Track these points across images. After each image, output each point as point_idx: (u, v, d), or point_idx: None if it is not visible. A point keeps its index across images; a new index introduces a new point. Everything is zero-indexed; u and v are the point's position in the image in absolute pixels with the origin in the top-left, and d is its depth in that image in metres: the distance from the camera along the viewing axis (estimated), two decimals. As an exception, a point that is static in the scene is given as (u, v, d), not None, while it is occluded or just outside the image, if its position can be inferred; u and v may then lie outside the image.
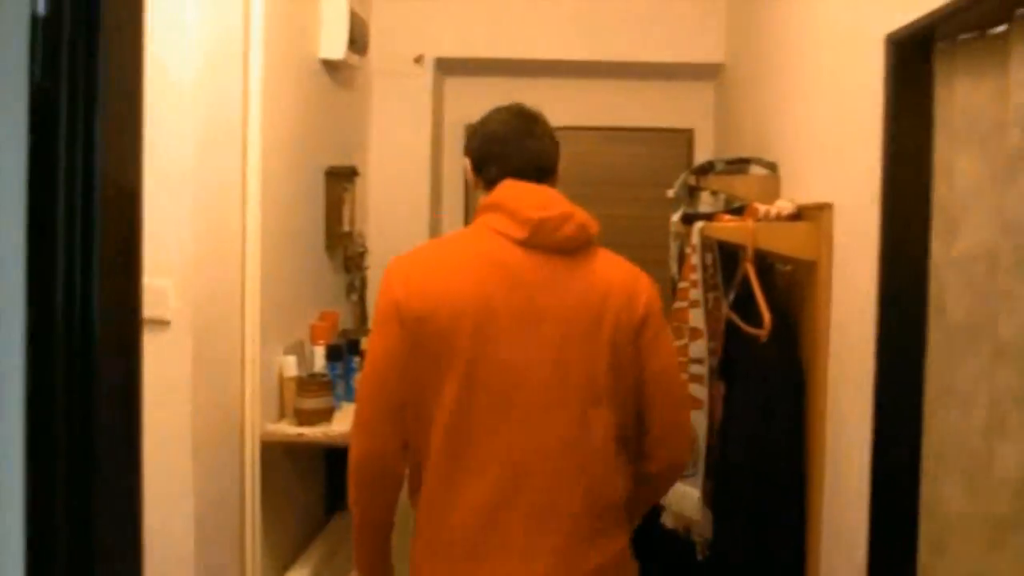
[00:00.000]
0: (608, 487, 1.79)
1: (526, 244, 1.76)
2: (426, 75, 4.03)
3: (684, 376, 2.47)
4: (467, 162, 1.94)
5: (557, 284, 1.77)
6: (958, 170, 1.71)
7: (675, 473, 1.98)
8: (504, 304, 1.74)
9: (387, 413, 1.77)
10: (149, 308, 2.15)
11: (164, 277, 2.13)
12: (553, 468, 1.75)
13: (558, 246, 1.78)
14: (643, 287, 1.84)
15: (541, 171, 1.88)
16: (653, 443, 1.86)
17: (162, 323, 2.13)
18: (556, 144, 1.93)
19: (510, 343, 1.74)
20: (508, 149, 1.88)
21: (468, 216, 4.25)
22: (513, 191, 1.82)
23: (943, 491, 1.75)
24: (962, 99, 1.71)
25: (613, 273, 1.83)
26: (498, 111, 1.96)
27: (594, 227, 1.83)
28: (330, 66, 3.27)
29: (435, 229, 4.04)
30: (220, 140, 2.32)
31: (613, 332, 1.77)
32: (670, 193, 3.18)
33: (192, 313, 2.16)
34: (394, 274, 1.79)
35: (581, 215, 1.81)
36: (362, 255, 3.73)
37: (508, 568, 1.73)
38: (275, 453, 2.67)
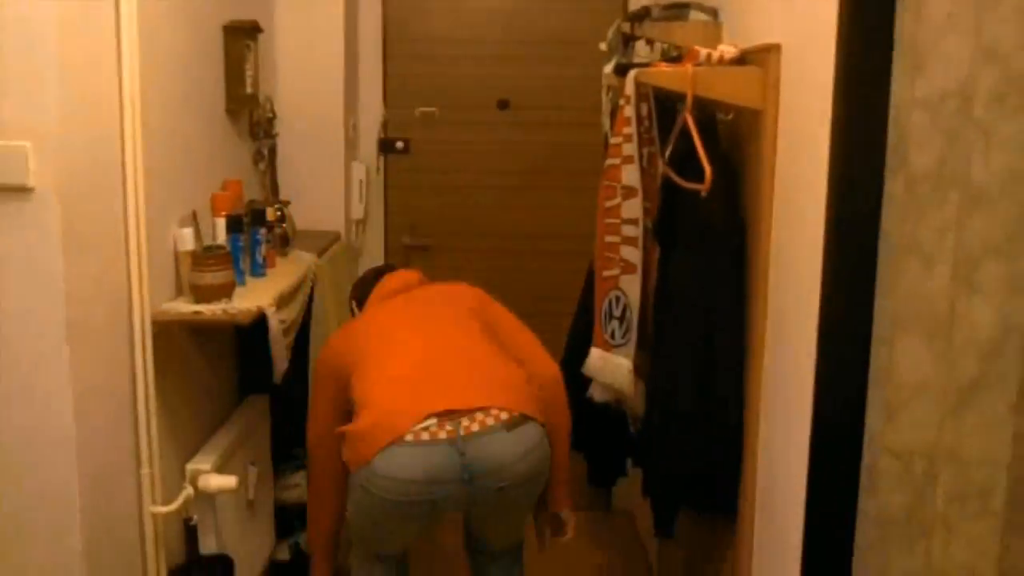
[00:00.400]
0: (505, 364, 2.37)
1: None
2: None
3: (616, 239, 2.28)
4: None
5: (427, 291, 2.64)
6: (927, -4, 1.50)
7: (557, 385, 2.44)
8: (399, 306, 2.55)
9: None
10: (5, 174, 1.89)
11: (22, 138, 1.86)
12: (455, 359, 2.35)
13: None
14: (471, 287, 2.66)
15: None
16: (529, 368, 2.40)
17: (22, 190, 1.86)
18: None
19: (407, 316, 2.51)
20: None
21: (386, 84, 3.96)
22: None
23: (899, 355, 1.60)
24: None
25: (452, 284, 2.68)
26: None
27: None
28: (222, -96, 2.91)
29: (350, 92, 3.74)
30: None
31: (469, 304, 2.54)
32: (603, 45, 2.93)
33: (59, 179, 1.88)
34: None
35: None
36: (271, 121, 3.44)
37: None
38: (174, 334, 2.44)
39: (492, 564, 2.53)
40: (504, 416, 2.17)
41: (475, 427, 2.14)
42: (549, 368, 2.46)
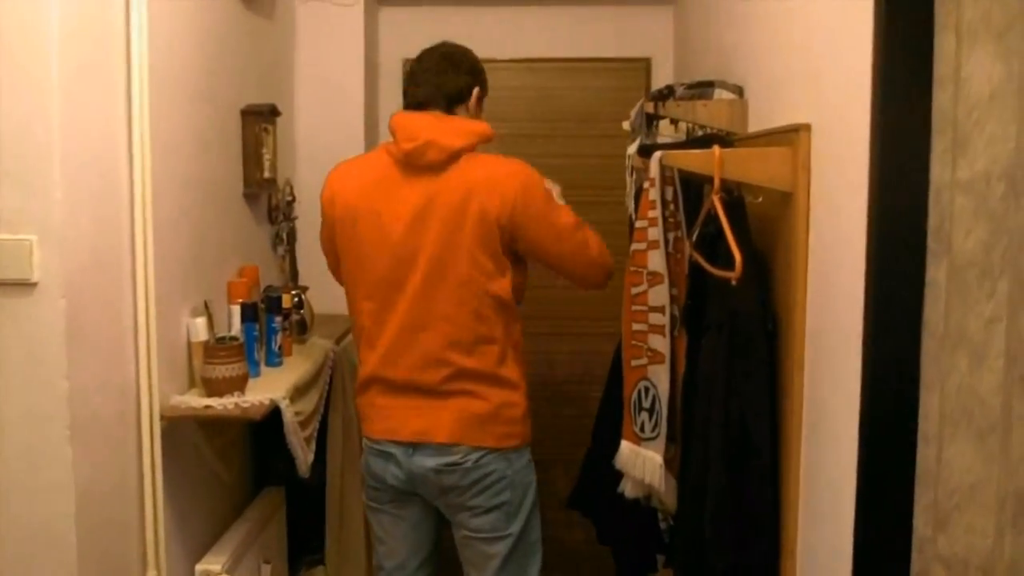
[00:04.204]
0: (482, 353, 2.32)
1: (404, 163, 2.28)
2: (358, 4, 3.66)
3: (643, 327, 2.19)
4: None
5: (427, 192, 2.26)
6: (969, 74, 1.41)
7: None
8: (386, 207, 2.27)
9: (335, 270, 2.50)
10: (7, 268, 1.83)
11: (27, 232, 1.81)
12: (431, 334, 2.28)
13: (425, 166, 2.26)
14: (510, 176, 2.32)
15: (448, 99, 2.38)
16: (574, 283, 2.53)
17: (26, 285, 1.80)
18: (467, 77, 2.42)
19: (394, 236, 2.26)
20: (415, 84, 2.40)
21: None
22: (399, 121, 2.32)
23: (949, 456, 1.48)
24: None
25: (478, 173, 2.28)
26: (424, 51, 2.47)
27: (460, 142, 2.27)
28: (242, -9, 2.91)
29: (372, 174, 3.69)
30: (96, 71, 1.97)
31: (479, 219, 2.24)
32: (626, 125, 2.88)
33: (65, 272, 1.83)
34: (327, 178, 2.44)
35: (445, 139, 2.25)
36: (290, 204, 3.40)
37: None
38: (186, 429, 2.35)
39: None
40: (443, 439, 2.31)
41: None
42: (594, 285, 2.54)
